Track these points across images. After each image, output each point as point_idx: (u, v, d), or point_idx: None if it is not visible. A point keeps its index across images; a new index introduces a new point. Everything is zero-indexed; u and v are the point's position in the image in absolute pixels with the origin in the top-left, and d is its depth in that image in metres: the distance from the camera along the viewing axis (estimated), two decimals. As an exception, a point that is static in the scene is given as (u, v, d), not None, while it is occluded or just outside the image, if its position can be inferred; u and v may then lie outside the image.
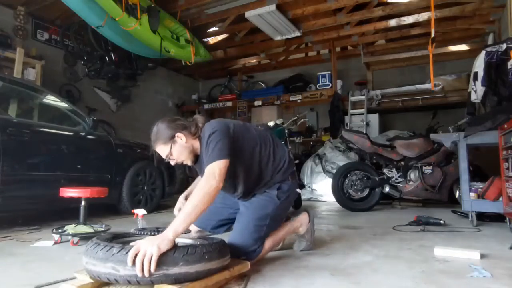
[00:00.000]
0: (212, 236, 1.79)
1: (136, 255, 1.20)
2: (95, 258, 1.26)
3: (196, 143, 1.70)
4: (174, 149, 1.65)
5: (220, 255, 1.37)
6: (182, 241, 1.62)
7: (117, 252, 1.23)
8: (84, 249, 1.34)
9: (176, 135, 1.64)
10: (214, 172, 1.50)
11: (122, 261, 1.21)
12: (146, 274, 1.18)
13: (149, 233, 1.41)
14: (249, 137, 1.76)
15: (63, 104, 3.47)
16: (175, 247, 1.27)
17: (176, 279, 1.23)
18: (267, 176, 1.80)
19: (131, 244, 1.30)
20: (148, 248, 1.21)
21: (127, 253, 1.21)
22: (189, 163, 1.74)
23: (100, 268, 1.24)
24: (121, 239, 1.53)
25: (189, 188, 1.97)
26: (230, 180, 1.72)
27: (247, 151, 1.73)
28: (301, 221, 2.03)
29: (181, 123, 1.69)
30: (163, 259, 1.21)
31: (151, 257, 1.19)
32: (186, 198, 1.91)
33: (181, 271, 1.23)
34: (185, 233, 1.66)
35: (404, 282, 1.52)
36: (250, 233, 1.70)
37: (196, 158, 1.75)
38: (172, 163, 1.71)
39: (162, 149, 1.67)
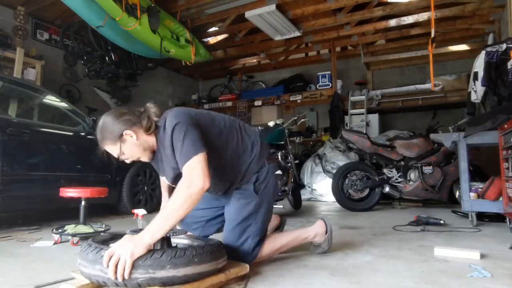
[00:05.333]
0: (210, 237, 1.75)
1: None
2: (86, 260, 1.27)
3: (151, 139, 1.53)
4: (125, 148, 1.49)
5: (213, 258, 1.33)
6: (179, 241, 1.62)
7: None
8: (78, 250, 1.35)
9: (124, 133, 1.47)
10: (195, 170, 1.35)
11: None
12: (119, 279, 1.17)
13: None
14: (214, 127, 1.61)
15: (63, 104, 3.47)
16: (153, 250, 1.25)
17: (164, 283, 1.21)
18: (242, 168, 1.66)
19: (110, 245, 1.29)
20: (122, 252, 1.19)
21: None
22: (146, 159, 1.59)
23: (90, 270, 1.25)
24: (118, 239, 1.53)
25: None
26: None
27: (214, 143, 1.57)
28: (316, 231, 1.90)
29: (129, 118, 1.50)
30: (149, 262, 1.20)
31: (125, 262, 1.18)
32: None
33: (168, 274, 1.21)
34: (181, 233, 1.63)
35: (404, 282, 1.52)
36: (237, 236, 1.64)
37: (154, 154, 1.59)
38: (127, 161, 1.56)
39: (112, 149, 1.51)
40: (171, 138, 1.43)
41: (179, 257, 1.24)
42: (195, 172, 1.35)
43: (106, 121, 1.50)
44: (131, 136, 1.49)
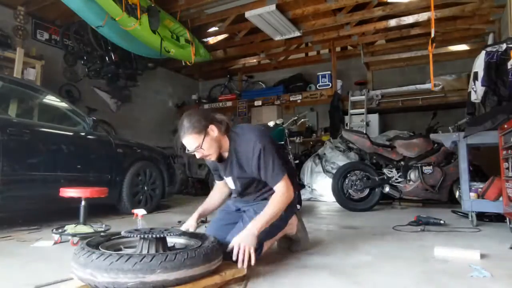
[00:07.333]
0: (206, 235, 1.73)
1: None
2: (77, 263, 1.26)
3: (224, 140, 1.72)
4: (206, 140, 1.64)
5: (206, 260, 1.31)
6: (177, 241, 1.61)
7: (96, 259, 1.22)
8: (72, 252, 1.35)
9: (209, 126, 1.65)
10: (288, 186, 1.68)
11: (99, 268, 1.20)
12: (245, 265, 1.47)
13: (142, 235, 1.38)
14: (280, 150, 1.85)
15: (63, 104, 3.46)
16: (143, 254, 1.25)
17: (154, 287, 1.21)
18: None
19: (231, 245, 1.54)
20: (247, 244, 1.50)
21: (105, 259, 1.21)
22: (213, 158, 1.74)
23: (80, 273, 1.25)
24: (115, 241, 1.54)
25: (203, 206, 1.98)
26: (243, 185, 1.80)
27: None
28: (290, 221, 1.96)
29: (214, 116, 1.71)
30: (139, 266, 1.19)
31: (250, 251, 1.49)
32: (199, 218, 1.94)
33: (158, 278, 1.20)
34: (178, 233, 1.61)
35: (404, 282, 1.52)
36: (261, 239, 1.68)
37: (220, 156, 1.76)
38: (198, 156, 1.69)
39: (193, 139, 1.63)
40: (260, 154, 1.65)
41: (170, 261, 1.22)
42: (287, 187, 1.68)
43: (193, 117, 1.65)
44: (213, 131, 1.67)
